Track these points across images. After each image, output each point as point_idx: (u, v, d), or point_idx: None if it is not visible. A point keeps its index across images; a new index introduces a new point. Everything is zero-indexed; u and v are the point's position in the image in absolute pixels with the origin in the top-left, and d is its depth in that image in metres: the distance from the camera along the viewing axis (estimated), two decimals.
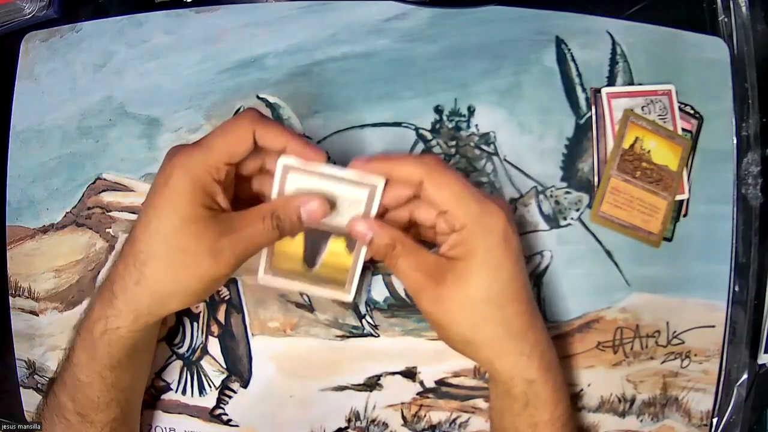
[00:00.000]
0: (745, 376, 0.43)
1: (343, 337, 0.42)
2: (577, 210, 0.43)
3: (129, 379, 0.36)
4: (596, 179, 0.43)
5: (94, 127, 0.43)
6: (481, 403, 0.43)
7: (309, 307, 0.42)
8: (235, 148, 0.32)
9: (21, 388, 0.44)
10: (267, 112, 0.43)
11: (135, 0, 0.45)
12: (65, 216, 0.43)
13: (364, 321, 0.42)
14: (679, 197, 0.43)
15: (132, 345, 0.35)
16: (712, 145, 0.44)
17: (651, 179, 0.42)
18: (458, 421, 0.43)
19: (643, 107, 0.43)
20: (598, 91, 0.43)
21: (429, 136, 0.43)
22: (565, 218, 0.43)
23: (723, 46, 0.44)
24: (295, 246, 0.36)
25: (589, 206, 0.43)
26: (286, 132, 0.33)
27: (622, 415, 0.43)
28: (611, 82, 0.43)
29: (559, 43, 0.43)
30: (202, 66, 0.43)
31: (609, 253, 0.43)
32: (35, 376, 0.44)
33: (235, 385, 0.43)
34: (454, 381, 0.42)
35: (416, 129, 0.43)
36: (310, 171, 0.33)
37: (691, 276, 0.43)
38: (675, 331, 0.43)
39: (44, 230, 0.43)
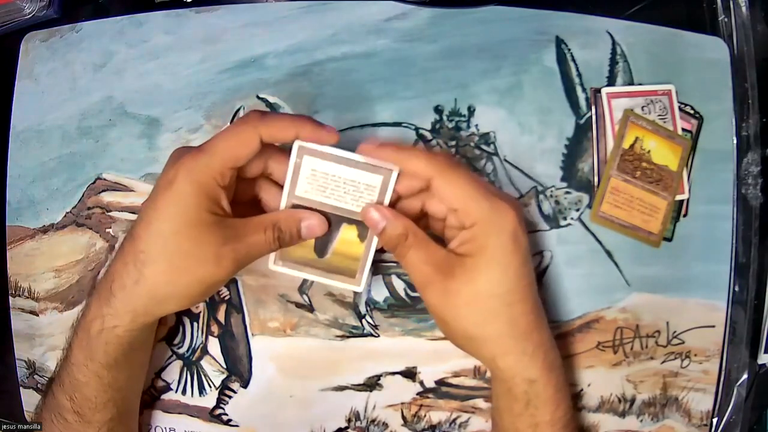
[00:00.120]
0: (745, 376, 0.43)
1: (343, 337, 0.42)
2: (577, 210, 0.43)
3: (126, 378, 0.36)
4: (596, 179, 0.43)
5: (94, 127, 0.43)
6: (481, 403, 0.43)
7: (309, 307, 0.42)
8: (240, 151, 0.32)
9: (21, 388, 0.44)
10: None
11: (135, 0, 0.45)
12: (65, 216, 0.43)
13: (364, 321, 0.42)
14: (679, 197, 0.43)
15: (129, 344, 0.35)
16: (712, 145, 0.44)
17: (651, 179, 0.42)
18: (458, 421, 0.43)
19: (643, 107, 0.43)
20: (598, 91, 0.43)
21: (429, 136, 0.43)
22: (565, 218, 0.43)
23: (723, 46, 0.44)
24: None
25: (589, 206, 0.43)
26: (295, 120, 0.33)
27: (622, 415, 0.43)
28: (611, 82, 0.43)
29: (559, 43, 0.43)
30: (202, 66, 0.43)
31: (609, 253, 0.43)
32: (35, 376, 0.44)
33: (235, 385, 0.43)
34: (454, 381, 0.42)
35: (416, 129, 0.43)
36: (326, 154, 0.33)
37: (691, 276, 0.43)
38: (675, 331, 0.43)
39: (44, 230, 0.43)
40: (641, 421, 0.43)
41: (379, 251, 0.37)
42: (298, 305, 0.42)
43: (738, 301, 0.43)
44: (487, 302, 0.33)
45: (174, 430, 0.43)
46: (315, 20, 0.43)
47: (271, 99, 0.43)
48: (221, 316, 0.43)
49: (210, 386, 0.43)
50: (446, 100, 0.43)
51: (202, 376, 0.43)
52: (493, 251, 0.32)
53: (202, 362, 0.43)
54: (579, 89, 0.43)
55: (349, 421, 0.43)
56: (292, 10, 0.43)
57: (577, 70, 0.43)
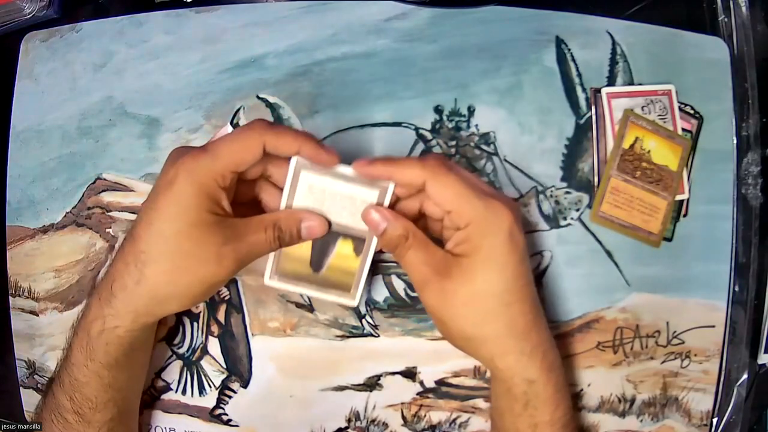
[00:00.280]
0: (745, 376, 0.43)
1: (343, 337, 0.42)
2: (577, 210, 0.43)
3: (126, 378, 0.36)
4: (596, 179, 0.43)
5: (94, 127, 0.43)
6: (481, 403, 0.43)
7: (309, 307, 0.42)
8: (243, 157, 0.32)
9: (21, 388, 0.44)
10: (267, 112, 0.43)
11: (135, 0, 0.45)
12: (65, 216, 0.43)
13: (364, 321, 0.42)
14: (679, 197, 0.43)
15: (129, 345, 0.35)
16: (712, 145, 0.44)
17: (651, 179, 0.42)
18: (458, 421, 0.43)
19: (643, 107, 0.43)
20: (598, 91, 0.43)
21: (429, 136, 0.43)
22: (565, 218, 0.43)
23: (723, 46, 0.44)
24: (302, 248, 0.36)
25: (589, 206, 0.43)
26: (299, 136, 0.33)
27: (622, 415, 0.43)
28: (611, 82, 0.43)
29: (559, 43, 0.43)
30: (202, 66, 0.43)
31: (609, 253, 0.43)
32: (35, 376, 0.44)
33: (235, 385, 0.43)
34: (454, 381, 0.42)
35: (416, 129, 0.43)
36: (323, 170, 0.34)
37: (691, 276, 0.43)
38: (675, 331, 0.43)
39: (44, 230, 0.43)
40: (641, 421, 0.43)
41: (379, 252, 0.37)
42: (298, 305, 0.42)
43: (738, 301, 0.43)
44: (484, 302, 0.33)
45: (174, 430, 0.43)
46: (315, 20, 0.43)
47: (271, 99, 0.43)
48: (221, 316, 0.43)
49: (210, 386, 0.43)
50: (446, 100, 0.43)
51: (202, 376, 0.43)
52: (489, 251, 0.32)
53: (202, 362, 0.43)
54: (579, 89, 0.43)
55: (349, 421, 0.43)
56: (292, 10, 0.43)
57: (577, 70, 0.43)
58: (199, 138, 0.43)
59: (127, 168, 0.43)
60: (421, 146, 0.43)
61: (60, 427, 0.35)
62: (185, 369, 0.43)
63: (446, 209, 0.33)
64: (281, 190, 0.34)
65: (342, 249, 0.36)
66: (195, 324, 0.43)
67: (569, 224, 0.43)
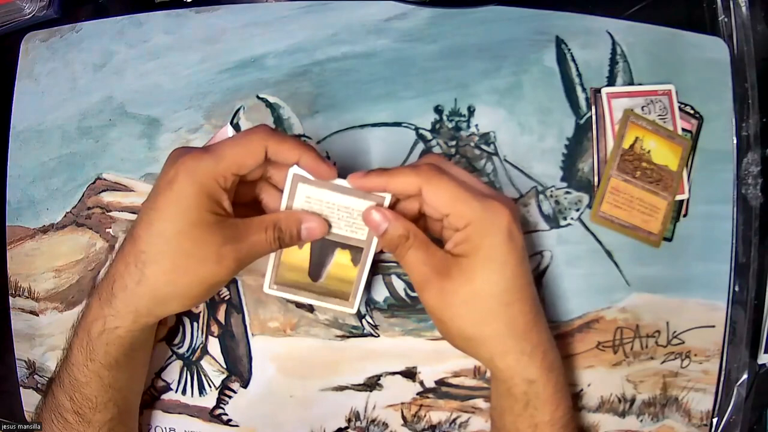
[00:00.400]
0: (745, 376, 0.43)
1: (343, 337, 0.42)
2: (577, 210, 0.43)
3: (126, 378, 0.36)
4: (596, 179, 0.43)
5: (94, 127, 0.43)
6: (481, 403, 0.43)
7: (309, 307, 0.42)
8: (245, 160, 0.33)
9: (21, 388, 0.44)
10: (267, 112, 0.43)
11: (135, 0, 0.45)
12: (65, 216, 0.43)
13: (364, 321, 0.42)
14: (679, 197, 0.43)
15: (130, 345, 0.35)
16: (712, 145, 0.44)
17: (651, 179, 0.42)
18: (458, 421, 0.43)
19: (643, 107, 0.43)
20: (598, 91, 0.43)
21: (429, 136, 0.43)
22: (565, 218, 0.43)
23: (723, 46, 0.44)
24: (301, 258, 0.36)
25: (589, 206, 0.43)
26: (300, 146, 0.33)
27: (622, 415, 0.43)
28: (611, 82, 0.43)
29: (559, 43, 0.43)
30: (202, 66, 0.43)
31: (609, 253, 0.43)
32: (35, 376, 0.44)
33: (235, 385, 0.43)
34: (454, 381, 0.42)
35: (416, 129, 0.43)
36: (320, 182, 0.34)
37: (691, 276, 0.43)
38: (675, 331, 0.43)
39: (44, 230, 0.43)
40: (641, 421, 0.43)
41: (379, 252, 0.37)
42: (298, 305, 0.42)
43: (738, 301, 0.43)
44: (484, 302, 0.33)
45: (174, 430, 0.43)
46: (315, 20, 0.43)
47: (271, 99, 0.43)
48: (221, 316, 0.43)
49: (210, 386, 0.43)
50: (446, 100, 0.43)
51: (202, 376, 0.43)
52: (488, 251, 0.32)
53: (202, 362, 0.43)
54: (579, 89, 0.43)
55: (349, 421, 0.43)
56: (292, 10, 0.43)
57: (577, 70, 0.43)
58: (199, 138, 0.43)
59: (127, 168, 0.43)
60: (421, 146, 0.43)
61: (60, 427, 0.35)
62: (185, 369, 0.43)
63: (444, 213, 0.33)
64: (281, 191, 0.35)
65: (340, 259, 0.36)
66: (195, 324, 0.43)
67: (569, 224, 0.43)
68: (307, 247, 0.36)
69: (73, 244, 0.43)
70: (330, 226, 0.35)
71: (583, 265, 0.42)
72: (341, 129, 0.42)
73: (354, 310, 0.38)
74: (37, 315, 0.43)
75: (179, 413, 0.43)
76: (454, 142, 0.43)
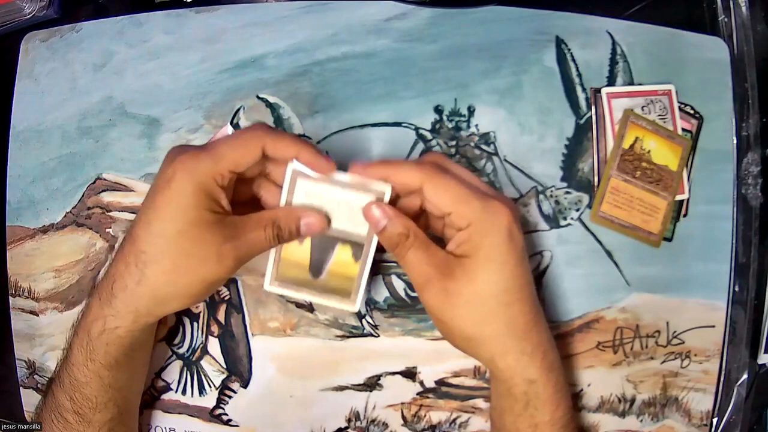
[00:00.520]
0: (745, 376, 0.43)
1: (343, 337, 0.42)
2: (577, 210, 0.43)
3: (127, 378, 0.36)
4: (596, 179, 0.43)
5: (94, 127, 0.43)
6: (481, 403, 0.43)
7: (309, 307, 0.42)
8: (242, 158, 0.33)
9: (21, 388, 0.44)
10: (267, 112, 0.43)
11: (135, 0, 0.45)
12: (65, 216, 0.43)
13: (364, 321, 0.42)
14: (679, 197, 0.43)
15: (130, 345, 0.35)
16: (712, 145, 0.44)
17: (651, 179, 0.42)
18: (458, 421, 0.43)
19: (643, 107, 0.43)
20: (598, 91, 0.43)
21: (429, 136, 0.43)
22: (565, 218, 0.43)
23: (723, 46, 0.44)
24: (301, 255, 0.36)
25: (589, 206, 0.43)
26: (297, 141, 0.33)
27: (622, 415, 0.43)
28: (611, 82, 0.43)
29: (559, 43, 0.43)
30: (202, 66, 0.43)
31: (609, 253, 0.43)
32: (35, 376, 0.44)
33: (235, 385, 0.43)
34: (454, 381, 0.42)
35: (416, 129, 0.43)
36: (319, 177, 0.34)
37: (691, 276, 0.43)
38: (675, 331, 0.43)
39: (44, 230, 0.43)
40: (641, 421, 0.43)
41: (379, 251, 0.37)
42: (298, 305, 0.42)
43: (738, 301, 0.43)
44: (485, 302, 0.33)
45: (174, 430, 0.43)
46: (315, 20, 0.43)
47: (271, 99, 0.43)
48: (221, 316, 0.43)
49: (210, 386, 0.43)
50: (446, 100, 0.43)
51: (202, 376, 0.43)
52: (488, 251, 0.32)
53: (202, 362, 0.43)
54: (579, 89, 0.43)
55: (349, 421, 0.43)
56: (292, 10, 0.43)
57: (577, 70, 0.43)
58: (199, 138, 0.43)
59: (127, 168, 0.43)
60: (421, 146, 0.43)
61: (60, 427, 0.35)
62: (185, 369, 0.43)
63: (446, 212, 0.33)
64: (280, 188, 0.35)
65: (341, 255, 0.36)
66: (195, 324, 0.43)
67: (569, 224, 0.43)
68: (307, 243, 0.36)
69: (73, 244, 0.43)
70: (330, 221, 0.35)
71: (583, 265, 0.42)
72: (341, 129, 0.42)
73: (356, 309, 0.37)
74: (37, 315, 0.43)
75: (179, 413, 0.43)
76: (454, 142, 0.43)
